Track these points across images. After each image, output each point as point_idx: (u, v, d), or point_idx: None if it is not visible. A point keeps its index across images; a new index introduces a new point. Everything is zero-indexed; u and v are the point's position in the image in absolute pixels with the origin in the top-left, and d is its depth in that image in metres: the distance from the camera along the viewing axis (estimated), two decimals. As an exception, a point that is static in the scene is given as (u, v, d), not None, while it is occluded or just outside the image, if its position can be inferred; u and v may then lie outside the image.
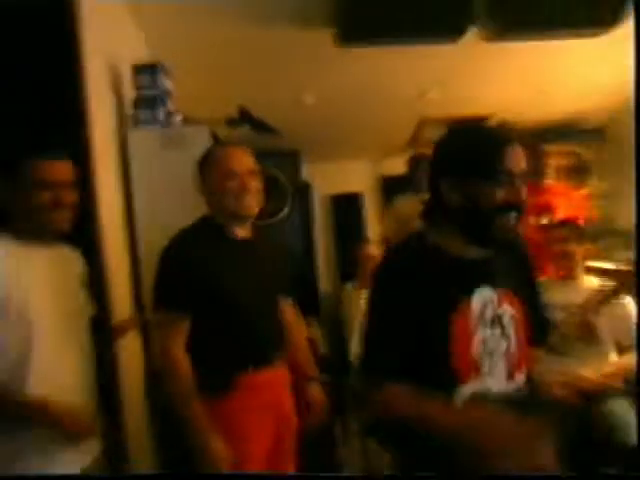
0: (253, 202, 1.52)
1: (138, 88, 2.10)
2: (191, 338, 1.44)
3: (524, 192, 1.08)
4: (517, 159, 1.07)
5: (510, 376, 1.16)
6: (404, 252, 1.17)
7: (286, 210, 4.02)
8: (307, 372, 1.72)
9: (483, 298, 1.13)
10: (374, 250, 2.88)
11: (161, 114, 2.09)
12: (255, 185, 1.52)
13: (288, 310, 1.74)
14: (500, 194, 1.06)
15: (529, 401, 1.19)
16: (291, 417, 1.61)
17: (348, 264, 2.98)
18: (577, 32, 2.51)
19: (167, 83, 2.20)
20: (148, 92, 2.10)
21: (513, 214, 1.08)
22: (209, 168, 1.53)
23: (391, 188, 4.29)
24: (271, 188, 4.06)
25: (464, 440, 1.01)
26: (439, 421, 1.04)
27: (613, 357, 2.02)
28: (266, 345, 1.55)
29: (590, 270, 2.33)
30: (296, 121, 3.66)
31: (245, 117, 2.77)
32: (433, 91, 3.47)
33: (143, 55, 2.39)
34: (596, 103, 3.90)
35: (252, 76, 3.00)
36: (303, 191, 4.53)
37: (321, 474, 2.10)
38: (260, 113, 2.81)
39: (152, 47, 2.50)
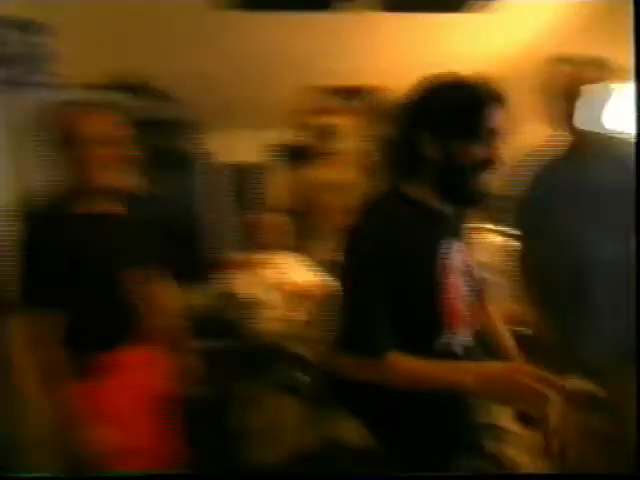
0: (101, 173, 1.37)
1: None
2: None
3: (501, 151, 1.09)
4: (499, 117, 1.08)
5: (474, 325, 1.23)
6: (386, 207, 1.13)
7: (184, 180, 3.93)
8: (178, 342, 1.68)
9: (457, 248, 1.16)
10: (273, 221, 2.92)
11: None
12: (108, 155, 1.36)
13: (158, 282, 1.67)
14: (481, 152, 1.07)
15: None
16: (165, 392, 1.57)
17: (249, 235, 2.99)
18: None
19: (43, 43, 2.03)
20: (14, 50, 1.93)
21: (489, 172, 1.10)
22: (57, 135, 1.39)
23: (292, 157, 4.32)
24: (167, 158, 3.99)
25: (483, 396, 1.05)
26: (455, 382, 1.03)
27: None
28: (127, 324, 1.48)
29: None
30: (193, 90, 3.56)
31: (133, 84, 2.66)
32: (322, 61, 3.51)
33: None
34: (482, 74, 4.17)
35: (146, 44, 2.87)
36: (202, 160, 4.43)
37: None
38: (154, 81, 2.71)
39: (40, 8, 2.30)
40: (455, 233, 1.18)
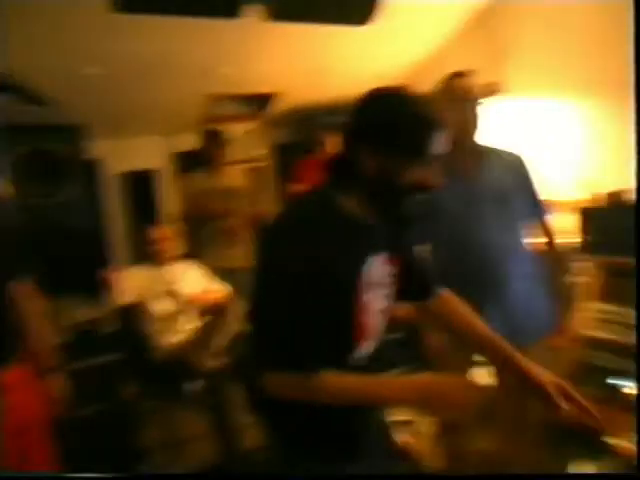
0: None
1: None
2: None
3: (440, 176, 1.07)
4: (440, 143, 1.05)
5: (382, 332, 1.21)
6: (308, 218, 1.08)
7: (68, 189, 3.69)
8: (46, 362, 1.62)
9: (375, 261, 1.13)
10: (167, 230, 2.83)
11: None
12: None
13: (26, 297, 1.57)
14: (419, 175, 1.04)
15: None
16: (36, 414, 1.53)
17: (142, 244, 2.87)
18: (341, 22, 2.84)
19: None
20: None
21: (422, 195, 1.07)
22: None
23: (185, 164, 4.25)
24: (46, 165, 3.73)
25: (415, 407, 1.05)
26: (380, 397, 1.05)
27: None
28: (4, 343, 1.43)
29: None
30: (79, 93, 3.36)
31: (10, 85, 2.47)
32: (220, 68, 3.50)
33: None
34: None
35: (27, 43, 2.67)
36: (91, 168, 4.20)
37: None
38: (34, 83, 2.52)
39: None
40: (383, 246, 1.16)
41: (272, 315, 1.06)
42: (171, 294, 2.62)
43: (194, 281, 2.75)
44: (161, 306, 2.60)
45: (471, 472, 2.04)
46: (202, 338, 2.55)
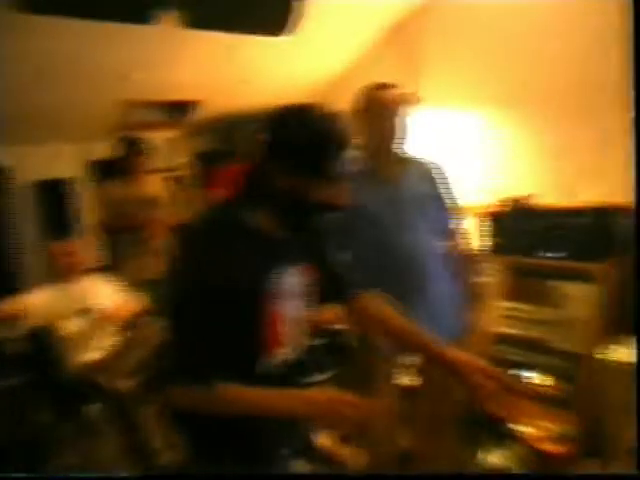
0: None
1: None
2: None
3: (348, 194, 1.10)
4: (349, 162, 1.09)
5: (300, 340, 1.24)
6: (214, 233, 1.09)
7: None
8: None
9: (286, 273, 1.15)
10: (74, 244, 2.71)
11: None
12: None
13: None
14: (328, 194, 1.07)
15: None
16: None
17: (55, 256, 2.72)
18: (257, 32, 2.87)
19: None
20: None
21: (331, 214, 1.12)
22: None
23: (101, 172, 4.09)
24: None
25: (311, 420, 1.09)
26: (283, 409, 1.07)
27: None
28: None
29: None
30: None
31: None
32: (137, 73, 3.41)
33: None
34: (293, 96, 4.39)
35: None
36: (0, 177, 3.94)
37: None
38: None
39: None
40: (294, 258, 1.19)
41: (176, 327, 1.08)
42: (82, 312, 2.51)
43: (106, 296, 2.64)
44: (72, 326, 2.48)
45: (393, 471, 2.11)
46: (117, 356, 2.46)
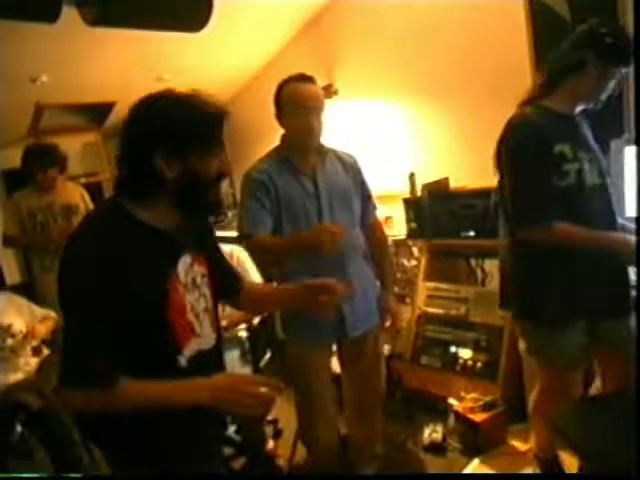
0: None
1: None
2: None
3: (229, 163, 1.17)
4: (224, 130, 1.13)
5: (214, 330, 1.26)
6: (104, 230, 1.07)
7: None
8: None
9: (184, 264, 1.17)
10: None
11: None
12: None
13: None
14: (217, 164, 1.12)
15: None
16: None
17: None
18: (173, 27, 2.78)
19: None
20: None
21: (223, 182, 1.17)
22: None
23: (12, 182, 3.85)
24: None
25: (216, 406, 1.08)
26: (189, 399, 1.07)
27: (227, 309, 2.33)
28: None
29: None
30: None
31: None
32: (46, 76, 3.25)
33: None
34: (211, 92, 4.33)
35: None
36: None
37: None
38: None
39: None
40: (187, 248, 1.20)
41: (71, 332, 1.07)
42: None
43: (18, 315, 2.50)
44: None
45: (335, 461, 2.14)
46: (40, 374, 2.35)
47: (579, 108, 1.71)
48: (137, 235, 1.09)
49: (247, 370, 2.48)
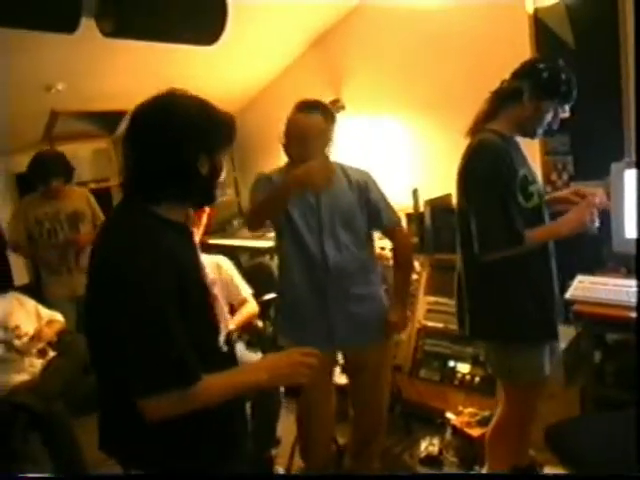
0: None
1: None
2: None
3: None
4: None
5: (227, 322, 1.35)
6: (138, 234, 1.08)
7: None
8: None
9: (206, 258, 1.29)
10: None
11: None
12: None
13: None
14: (222, 162, 1.20)
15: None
16: None
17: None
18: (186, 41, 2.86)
19: None
20: None
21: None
22: None
23: (25, 187, 3.91)
24: None
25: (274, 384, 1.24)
26: (253, 383, 1.16)
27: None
28: None
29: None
30: None
31: None
32: (61, 84, 3.33)
33: None
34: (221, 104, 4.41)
35: None
36: None
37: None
38: None
39: None
40: (193, 239, 1.26)
41: (132, 339, 1.03)
42: (3, 334, 2.39)
43: (29, 316, 2.54)
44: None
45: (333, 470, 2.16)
46: (45, 376, 2.38)
47: (517, 138, 1.79)
48: (167, 230, 1.12)
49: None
